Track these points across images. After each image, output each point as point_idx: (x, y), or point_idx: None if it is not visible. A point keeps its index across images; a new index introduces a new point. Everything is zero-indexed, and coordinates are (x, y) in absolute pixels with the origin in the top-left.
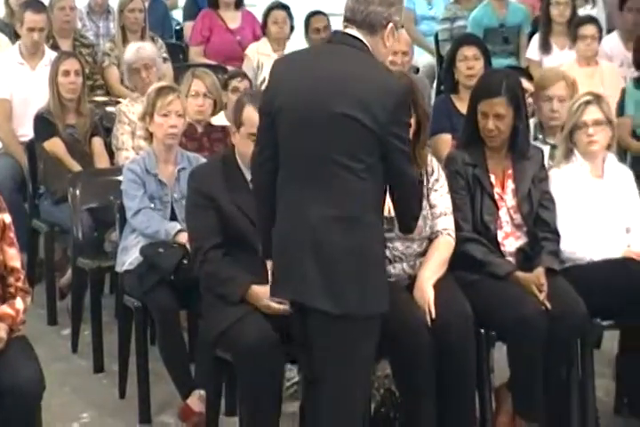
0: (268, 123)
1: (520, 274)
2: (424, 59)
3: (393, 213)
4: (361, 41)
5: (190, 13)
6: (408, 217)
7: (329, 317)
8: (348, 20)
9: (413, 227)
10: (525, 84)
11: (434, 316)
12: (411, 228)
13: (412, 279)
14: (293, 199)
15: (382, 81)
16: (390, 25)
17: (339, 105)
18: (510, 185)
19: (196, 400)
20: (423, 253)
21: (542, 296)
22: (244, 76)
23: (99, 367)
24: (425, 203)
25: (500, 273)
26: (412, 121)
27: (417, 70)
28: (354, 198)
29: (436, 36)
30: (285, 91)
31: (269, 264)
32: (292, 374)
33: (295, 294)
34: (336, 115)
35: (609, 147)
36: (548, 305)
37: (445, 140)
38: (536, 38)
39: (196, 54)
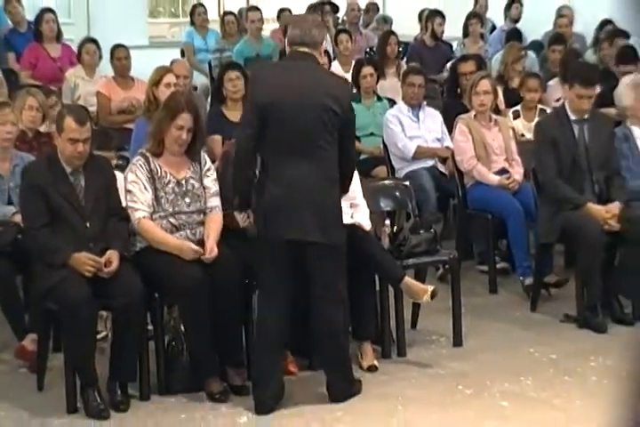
0: (258, 112)
1: None
2: (200, 80)
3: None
4: (312, 55)
5: (8, 46)
6: (349, 180)
7: (323, 246)
8: (299, 44)
9: (348, 188)
10: None
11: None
12: (348, 189)
13: (200, 244)
14: (289, 170)
15: (339, 82)
16: (324, 42)
17: (318, 98)
18: None
19: (30, 342)
20: (202, 223)
21: None
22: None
23: None
24: (199, 184)
25: None
26: (192, 127)
27: (195, 88)
28: (331, 165)
29: (210, 63)
30: (275, 90)
31: (241, 215)
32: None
33: (297, 234)
34: (318, 105)
35: None
36: None
37: (217, 140)
38: None
39: (26, 77)
